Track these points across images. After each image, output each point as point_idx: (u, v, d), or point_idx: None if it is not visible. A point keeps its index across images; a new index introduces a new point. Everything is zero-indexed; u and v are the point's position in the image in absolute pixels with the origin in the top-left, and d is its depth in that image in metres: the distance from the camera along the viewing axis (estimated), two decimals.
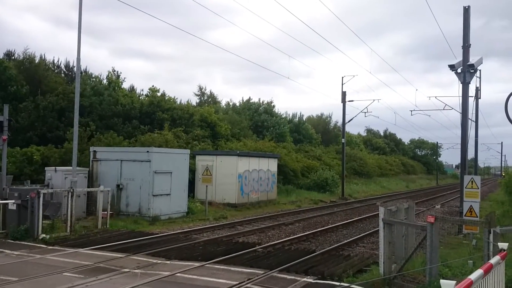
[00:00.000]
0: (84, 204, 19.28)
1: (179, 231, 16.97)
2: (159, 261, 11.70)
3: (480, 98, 31.88)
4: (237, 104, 55.44)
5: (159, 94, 40.04)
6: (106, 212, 17.13)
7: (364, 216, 24.42)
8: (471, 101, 26.19)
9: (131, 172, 19.78)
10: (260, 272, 10.74)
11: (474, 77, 21.17)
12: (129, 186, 19.77)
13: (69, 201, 15.59)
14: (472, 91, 27.96)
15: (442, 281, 4.19)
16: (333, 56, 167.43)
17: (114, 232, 15.92)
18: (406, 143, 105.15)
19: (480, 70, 28.81)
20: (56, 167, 20.27)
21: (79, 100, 17.69)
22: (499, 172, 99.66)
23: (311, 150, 49.74)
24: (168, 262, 11.68)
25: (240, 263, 11.63)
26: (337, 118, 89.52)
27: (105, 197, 17.31)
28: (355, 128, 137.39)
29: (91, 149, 21.27)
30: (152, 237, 15.21)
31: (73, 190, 15.87)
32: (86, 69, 41.67)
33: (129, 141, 28.03)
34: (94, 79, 38.05)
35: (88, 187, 19.76)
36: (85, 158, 22.48)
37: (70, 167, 18.22)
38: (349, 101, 39.60)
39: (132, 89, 41.99)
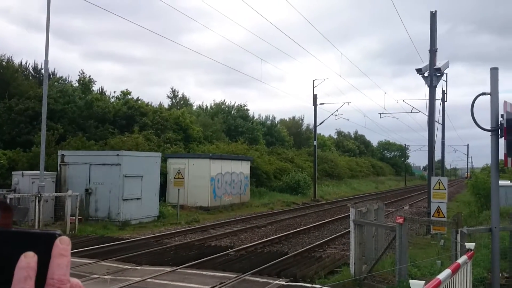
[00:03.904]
0: (52, 209, 18.85)
1: (150, 235, 16.77)
2: (130, 267, 11.53)
3: (446, 101, 32.72)
4: (209, 107, 55.30)
5: (130, 96, 39.54)
6: (74, 217, 16.81)
7: (336, 217, 24.66)
8: (438, 104, 26.82)
9: (100, 176, 19.45)
10: (232, 275, 10.71)
11: (441, 81, 21.69)
12: (98, 191, 19.43)
13: (37, 206, 15.24)
14: (438, 95, 28.67)
15: (411, 281, 4.26)
16: (305, 59, 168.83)
17: (82, 238, 15.63)
18: (375, 145, 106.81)
19: (446, 74, 29.55)
20: (23, 172, 19.76)
21: (50, 104, 17.32)
22: (466, 173, 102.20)
23: (283, 153, 49.94)
24: (138, 267, 11.53)
25: (212, 267, 11.57)
26: (309, 120, 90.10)
27: (74, 202, 16.99)
28: (326, 131, 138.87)
29: (59, 153, 20.83)
30: (122, 242, 14.98)
31: (40, 195, 15.52)
32: (54, 71, 40.81)
33: (99, 144, 27.57)
34: (62, 82, 37.29)
35: (56, 191, 19.33)
36: (53, 162, 21.99)
37: (38, 172, 17.81)
38: (321, 104, 40.00)
39: (102, 91, 41.31)
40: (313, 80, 39.27)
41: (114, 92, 40.59)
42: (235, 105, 55.37)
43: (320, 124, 40.98)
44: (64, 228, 16.40)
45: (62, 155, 20.50)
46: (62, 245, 0.71)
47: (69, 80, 38.12)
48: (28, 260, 0.68)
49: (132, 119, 33.50)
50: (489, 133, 8.09)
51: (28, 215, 15.81)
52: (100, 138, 29.67)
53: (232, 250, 14.24)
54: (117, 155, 19.49)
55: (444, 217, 15.32)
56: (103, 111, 32.78)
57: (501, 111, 7.89)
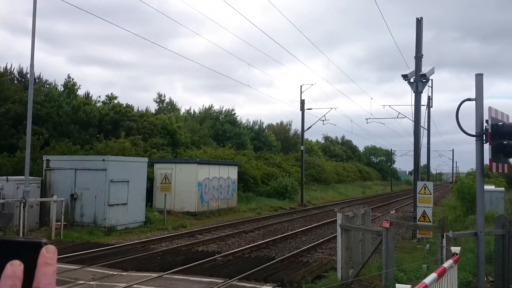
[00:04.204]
0: (37, 214, 18.63)
1: (136, 241, 16.65)
2: (116, 273, 11.42)
3: (432, 106, 33.10)
4: (197, 111, 55.25)
5: (116, 101, 39.31)
6: (60, 223, 16.63)
7: (323, 222, 24.71)
8: (423, 109, 27.09)
9: (86, 181, 19.27)
10: (219, 281, 10.67)
11: (426, 87, 21.93)
12: (83, 196, 19.25)
13: (21, 212, 15.05)
14: (424, 100, 28.96)
15: (397, 285, 4.29)
16: (293, 65, 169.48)
17: (68, 243, 15.46)
18: (361, 150, 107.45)
19: (432, 80, 29.89)
20: (8, 177, 19.50)
21: (35, 108, 17.15)
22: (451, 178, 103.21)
23: (271, 158, 49.99)
24: (124, 273, 11.43)
25: (199, 272, 11.51)
26: (296, 125, 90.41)
27: (59, 207, 16.81)
28: (313, 136, 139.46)
29: (44, 158, 20.61)
30: (108, 248, 14.85)
31: (25, 200, 15.33)
32: (40, 75, 40.42)
33: (85, 149, 27.35)
34: (48, 86, 36.94)
35: (41, 197, 19.10)
36: (38, 167, 21.75)
37: (23, 177, 17.60)
38: (308, 109, 40.15)
39: (87, 96, 40.99)
40: (301, 86, 39.46)
41: (99, 97, 40.33)
42: (223, 110, 55.41)
43: (307, 129, 41.13)
44: (49, 234, 16.21)
45: (47, 160, 20.29)
46: (48, 253, 0.70)
47: (55, 85, 37.76)
48: (14, 269, 0.67)
49: (118, 123, 33.30)
50: (474, 138, 8.18)
51: (13, 221, 15.61)
52: (86, 143, 29.42)
53: (219, 255, 14.19)
54: (103, 160, 19.34)
55: (430, 222, 15.45)
56: (88, 116, 32.52)
57: (486, 116, 7.99)
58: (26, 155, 16.62)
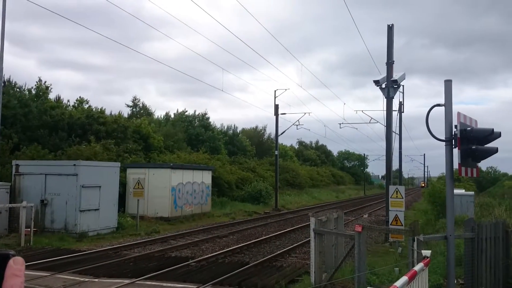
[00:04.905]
0: (6, 220, 18.17)
1: (108, 247, 16.38)
2: (87, 279, 11.21)
3: (403, 112, 33.60)
4: (172, 115, 54.87)
5: (87, 105, 38.69)
6: (29, 229, 16.25)
7: (297, 226, 24.81)
8: (395, 115, 27.50)
9: (56, 186, 18.89)
10: (193, 286, 10.59)
11: (398, 92, 22.28)
12: (54, 202, 18.86)
13: None
14: (395, 106, 29.42)
15: None
16: (267, 70, 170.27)
17: (38, 250, 15.12)
18: (335, 155, 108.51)
19: (403, 86, 30.46)
20: None
21: (2, 110, 16.74)
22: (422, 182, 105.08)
23: (245, 162, 50.01)
24: (96, 280, 11.23)
25: (172, 278, 11.40)
26: (270, 130, 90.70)
27: (29, 213, 16.43)
28: (288, 140, 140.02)
29: (14, 162, 20.13)
30: (79, 254, 14.58)
31: None
32: (10, 78, 39.46)
33: (55, 154, 26.80)
34: (18, 89, 36.06)
35: (10, 202, 18.62)
36: (7, 172, 21.23)
37: None
38: (282, 114, 40.37)
39: (58, 99, 40.20)
40: (275, 91, 39.64)
41: (68, 101, 39.60)
42: (197, 114, 55.15)
43: (281, 134, 41.30)
44: (18, 240, 15.84)
45: (17, 165, 19.82)
46: (16, 265, 0.68)
47: (25, 88, 36.91)
48: None
49: (89, 128, 32.73)
50: (444, 143, 8.34)
51: None
52: (56, 147, 28.83)
53: (193, 260, 14.08)
54: (74, 165, 19.00)
55: (402, 225, 15.68)
56: (57, 119, 31.85)
57: (455, 122, 8.15)
58: None
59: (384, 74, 19.73)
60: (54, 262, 13.05)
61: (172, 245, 17.67)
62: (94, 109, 37.09)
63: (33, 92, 36.07)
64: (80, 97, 39.58)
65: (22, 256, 0.73)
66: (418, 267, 6.24)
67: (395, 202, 16.08)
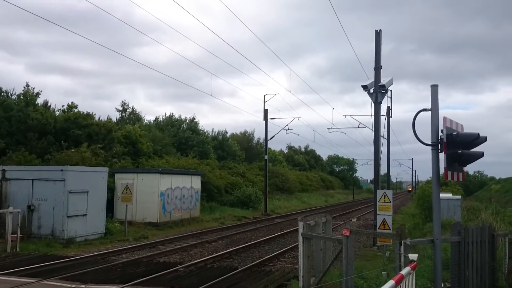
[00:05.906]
0: None
1: (96, 253, 16.26)
2: (74, 285, 11.11)
3: (391, 116, 33.87)
4: (161, 120, 54.62)
5: (76, 110, 38.35)
6: (16, 235, 16.07)
7: (286, 231, 24.83)
8: (383, 119, 27.70)
9: (43, 192, 18.71)
10: None
11: (386, 97, 22.47)
12: (41, 207, 18.67)
13: None
14: (383, 110, 29.66)
15: None
16: (256, 76, 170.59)
17: (24, 256, 14.95)
18: (324, 159, 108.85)
19: (391, 91, 30.72)
20: None
21: None
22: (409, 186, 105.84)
23: (234, 167, 49.97)
24: (83, 286, 11.13)
25: (160, 284, 11.34)
26: (260, 135, 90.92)
27: (15, 219, 16.24)
28: (277, 145, 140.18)
29: (0, 168, 19.91)
30: (66, 260, 14.44)
31: None
32: None
33: (43, 159, 26.54)
34: (4, 94, 35.67)
35: None
36: None
37: None
38: (271, 118, 40.46)
39: (46, 104, 39.85)
40: (264, 96, 39.80)
41: (55, 105, 39.27)
42: (186, 119, 54.99)
43: (270, 138, 41.38)
44: (5, 246, 15.65)
45: (3, 170, 19.62)
46: None
47: (13, 93, 36.52)
48: None
49: (77, 132, 32.43)
50: (430, 147, 8.41)
51: None
52: (43, 152, 28.53)
53: (181, 266, 14.02)
54: (62, 170, 18.84)
55: (390, 229, 15.75)
56: (44, 124, 31.51)
57: (441, 126, 8.24)
58: None
59: (372, 79, 19.87)
60: (40, 268, 12.91)
61: (160, 250, 17.58)
62: (84, 114, 36.78)
63: (21, 97, 35.70)
64: (72, 102, 39.21)
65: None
66: (405, 271, 6.28)
67: (383, 206, 16.15)
